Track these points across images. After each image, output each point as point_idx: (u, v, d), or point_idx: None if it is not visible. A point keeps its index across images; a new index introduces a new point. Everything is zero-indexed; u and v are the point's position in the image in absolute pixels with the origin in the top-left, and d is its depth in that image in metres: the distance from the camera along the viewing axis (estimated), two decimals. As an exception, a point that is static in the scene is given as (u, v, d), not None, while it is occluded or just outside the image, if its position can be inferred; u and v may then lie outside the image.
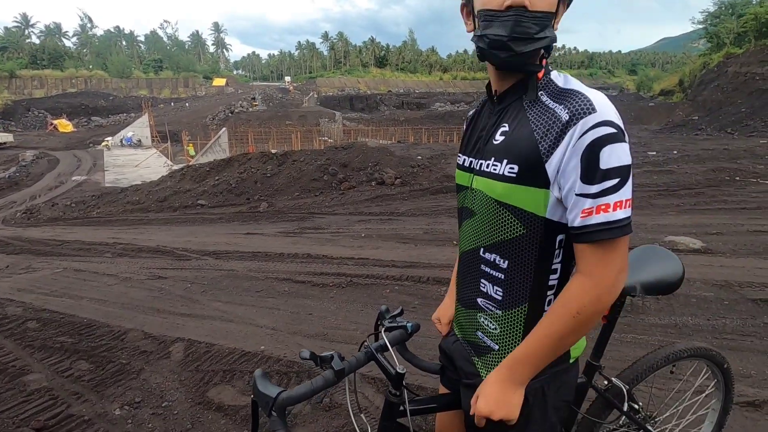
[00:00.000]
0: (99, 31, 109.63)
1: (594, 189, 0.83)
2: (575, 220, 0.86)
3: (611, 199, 0.83)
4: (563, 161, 0.85)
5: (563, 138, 0.85)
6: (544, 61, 0.93)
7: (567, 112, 0.85)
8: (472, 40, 0.96)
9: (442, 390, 1.28)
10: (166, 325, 3.63)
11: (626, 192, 0.84)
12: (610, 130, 0.82)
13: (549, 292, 0.98)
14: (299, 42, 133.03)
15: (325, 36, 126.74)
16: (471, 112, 1.17)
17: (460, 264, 1.13)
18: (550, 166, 0.87)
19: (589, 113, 0.83)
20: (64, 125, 36.29)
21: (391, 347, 1.09)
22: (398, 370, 1.03)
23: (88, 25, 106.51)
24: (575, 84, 0.91)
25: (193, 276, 4.90)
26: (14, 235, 8.44)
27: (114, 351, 3.19)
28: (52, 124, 36.62)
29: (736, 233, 5.73)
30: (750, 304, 3.45)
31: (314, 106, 47.00)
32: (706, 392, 1.66)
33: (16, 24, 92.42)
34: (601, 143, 0.82)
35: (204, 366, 2.94)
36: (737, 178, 9.56)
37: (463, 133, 1.15)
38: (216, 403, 2.54)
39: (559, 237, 0.94)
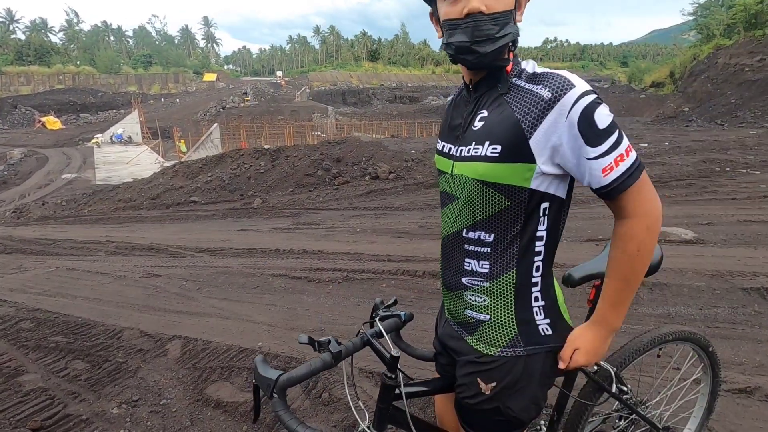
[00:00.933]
0: (86, 27, 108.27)
1: (604, 147, 0.91)
2: (599, 180, 0.93)
3: (621, 148, 0.93)
4: (557, 136, 0.92)
5: (548, 113, 0.91)
6: (510, 54, 0.98)
7: (548, 91, 0.92)
8: (440, 48, 1.03)
9: (436, 376, 1.31)
10: (162, 323, 3.61)
11: (626, 139, 0.94)
12: (592, 96, 0.91)
13: (536, 258, 1.03)
14: (290, 36, 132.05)
15: (317, 30, 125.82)
16: (449, 99, 1.22)
17: (442, 248, 1.16)
18: (534, 141, 0.93)
19: (570, 88, 0.91)
20: (53, 122, 35.74)
21: (386, 334, 1.12)
22: (393, 354, 1.06)
23: (75, 20, 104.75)
24: (545, 69, 0.99)
25: (188, 273, 4.88)
26: (4, 235, 8.33)
27: (110, 350, 3.17)
28: (39, 121, 36.05)
29: (726, 223, 5.80)
30: (741, 293, 3.50)
31: (306, 100, 46.69)
32: (694, 376, 1.70)
33: (0, 20, 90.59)
34: (591, 109, 0.90)
35: (201, 363, 2.94)
36: (727, 169, 9.67)
37: (443, 121, 1.20)
38: (214, 400, 2.54)
39: (543, 205, 1.00)
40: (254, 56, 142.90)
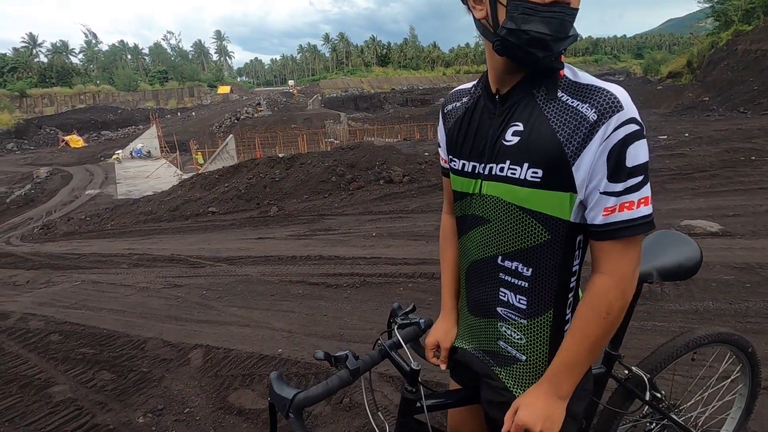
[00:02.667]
0: (104, 47, 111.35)
1: (619, 187, 0.82)
2: (596, 218, 0.85)
3: (635, 196, 0.83)
4: (594, 161, 0.83)
5: (592, 138, 0.82)
6: (561, 56, 0.88)
7: (594, 111, 0.81)
8: (487, 33, 0.87)
9: (453, 385, 1.26)
10: (184, 332, 3.67)
11: (648, 188, 0.84)
12: (636, 127, 0.81)
13: (569, 295, 0.96)
14: (300, 45, 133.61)
15: (326, 37, 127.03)
16: (448, 108, 1.07)
17: (468, 274, 1.06)
18: (578, 169, 0.84)
19: (617, 110, 0.81)
20: (75, 141, 36.89)
21: (405, 344, 1.08)
22: (413, 367, 1.02)
23: (93, 41, 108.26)
24: (588, 77, 0.88)
25: (208, 283, 4.95)
26: (33, 251, 8.61)
27: (135, 360, 3.23)
28: (63, 140, 37.24)
29: (754, 214, 5.60)
30: (773, 285, 3.37)
31: (318, 108, 47.13)
32: (732, 377, 1.63)
33: (24, 44, 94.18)
34: (628, 141, 0.81)
35: (223, 371, 2.97)
36: (753, 158, 9.34)
37: (448, 134, 1.05)
38: (237, 407, 2.56)
39: (578, 237, 0.92)
40: (266, 67, 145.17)
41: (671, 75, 40.05)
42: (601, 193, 0.83)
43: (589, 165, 0.83)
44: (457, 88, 1.10)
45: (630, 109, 0.82)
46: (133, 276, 5.61)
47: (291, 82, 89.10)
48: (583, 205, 0.87)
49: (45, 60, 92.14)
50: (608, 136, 0.81)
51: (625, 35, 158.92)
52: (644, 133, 0.83)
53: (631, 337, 2.78)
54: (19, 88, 69.50)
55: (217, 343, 3.37)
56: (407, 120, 35.89)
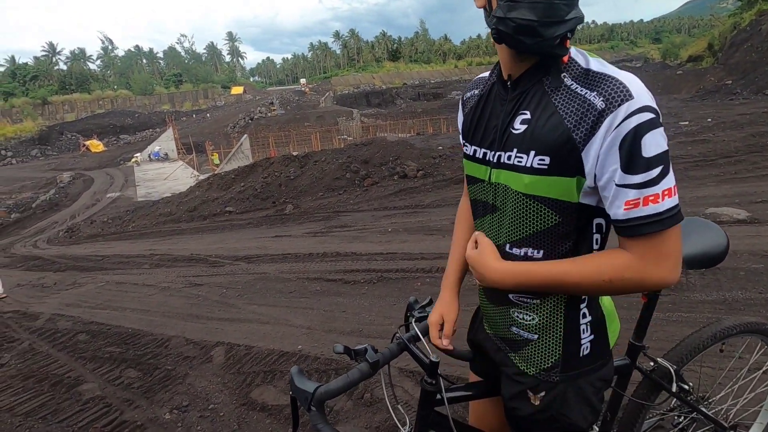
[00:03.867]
0: (120, 52, 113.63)
1: (638, 179, 0.79)
2: (618, 212, 0.82)
3: (658, 188, 0.79)
4: (601, 151, 0.81)
5: (599, 126, 0.80)
6: (567, 42, 0.84)
7: (602, 100, 0.80)
8: (488, 21, 0.86)
9: (473, 377, 1.26)
10: (205, 330, 3.74)
11: (671, 178, 0.80)
12: (649, 115, 0.78)
13: None
14: (311, 43, 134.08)
15: (337, 35, 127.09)
16: (467, 96, 1.09)
17: None
18: (587, 156, 0.82)
19: (626, 100, 0.78)
20: (96, 145, 37.85)
21: (423, 337, 1.08)
22: (432, 359, 1.02)
23: (110, 47, 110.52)
24: (600, 65, 0.85)
25: (228, 281, 5.02)
26: (59, 254, 8.88)
27: (159, 358, 3.31)
28: (84, 145, 38.25)
29: (783, 200, 5.41)
30: (805, 273, 3.25)
31: (331, 105, 47.24)
32: (764, 369, 1.57)
33: (44, 53, 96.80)
34: (641, 131, 0.77)
35: (245, 368, 3.01)
36: (780, 142, 9.00)
37: (464, 120, 1.07)
38: (260, 403, 2.59)
39: (596, 221, 0.90)
40: (278, 66, 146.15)
41: (691, 59, 38.88)
42: (617, 185, 0.80)
43: (596, 154, 0.81)
44: (478, 76, 1.11)
45: (641, 98, 0.79)
46: (154, 276, 5.73)
47: (303, 81, 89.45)
48: (595, 191, 0.85)
49: (64, 67, 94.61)
50: (617, 126, 0.78)
51: (642, 20, 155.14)
52: (660, 120, 0.80)
53: (656, 328, 2.72)
54: (40, 95, 71.53)
55: (239, 341, 3.42)
56: (420, 114, 35.70)
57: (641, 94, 0.79)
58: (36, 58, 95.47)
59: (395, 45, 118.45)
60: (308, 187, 11.28)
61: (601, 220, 0.91)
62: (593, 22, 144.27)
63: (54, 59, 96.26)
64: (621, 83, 0.80)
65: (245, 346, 3.32)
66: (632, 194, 0.79)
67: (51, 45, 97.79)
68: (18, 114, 59.62)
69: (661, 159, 0.79)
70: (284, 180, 11.88)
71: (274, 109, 46.91)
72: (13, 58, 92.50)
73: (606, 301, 1.05)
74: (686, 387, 1.33)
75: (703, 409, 1.41)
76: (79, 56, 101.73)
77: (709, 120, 13.51)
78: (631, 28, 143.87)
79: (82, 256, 8.04)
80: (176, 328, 3.83)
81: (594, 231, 0.91)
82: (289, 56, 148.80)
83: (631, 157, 0.78)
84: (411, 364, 2.68)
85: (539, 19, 0.78)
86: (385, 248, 5.51)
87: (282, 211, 9.99)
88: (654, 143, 0.78)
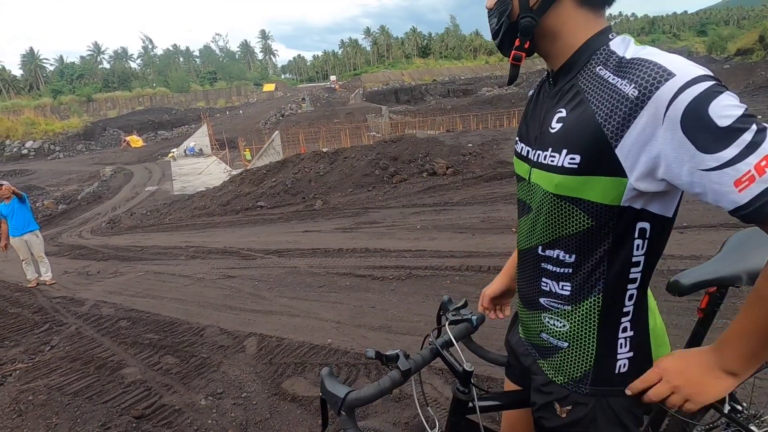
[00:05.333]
0: (159, 51, 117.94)
1: (730, 153, 0.66)
2: (732, 198, 0.68)
3: (764, 149, 0.65)
4: (655, 146, 0.72)
5: (636, 116, 0.72)
6: (527, 44, 0.87)
7: (634, 87, 0.72)
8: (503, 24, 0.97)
9: (508, 384, 1.23)
10: (238, 321, 3.85)
11: None
12: (704, 85, 0.68)
13: (630, 286, 0.88)
14: (342, 40, 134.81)
15: (367, 31, 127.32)
16: (529, 94, 1.08)
17: (519, 262, 1.05)
18: (623, 151, 0.74)
19: (666, 79, 0.69)
20: (136, 141, 39.46)
21: (456, 342, 1.05)
22: (466, 368, 0.99)
23: (150, 46, 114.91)
24: (638, 50, 0.78)
25: (259, 274, 5.15)
26: (102, 244, 9.34)
27: (195, 346, 3.43)
28: (125, 140, 39.94)
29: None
30: None
31: (360, 102, 47.42)
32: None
33: (89, 53, 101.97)
34: (701, 104, 0.67)
35: (276, 359, 3.08)
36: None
37: (522, 117, 1.07)
38: (290, 394, 2.65)
39: (641, 225, 0.82)
40: (308, 63, 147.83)
41: (740, 52, 36.71)
42: (706, 171, 0.68)
43: (640, 150, 0.73)
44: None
45: (686, 72, 0.69)
46: (190, 267, 5.94)
47: (333, 77, 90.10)
48: (643, 192, 0.77)
49: (108, 66, 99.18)
50: (667, 110, 0.69)
51: (686, 11, 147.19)
52: (722, 86, 0.69)
53: (707, 342, 2.59)
54: (86, 93, 75.32)
55: (270, 332, 3.51)
56: (449, 111, 35.32)
57: (683, 67, 0.70)
58: (82, 57, 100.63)
59: (425, 41, 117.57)
60: (337, 183, 11.39)
61: (646, 225, 0.82)
62: (632, 14, 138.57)
63: (98, 58, 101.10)
64: (656, 64, 0.72)
65: (276, 337, 3.40)
66: (736, 170, 0.66)
67: (96, 45, 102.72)
68: (65, 111, 62.97)
69: (745, 121, 0.66)
70: (314, 176, 12.04)
71: (303, 105, 47.57)
72: (61, 57, 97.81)
73: (658, 322, 0.98)
74: (739, 407, 1.26)
75: (754, 429, 1.33)
76: (121, 55, 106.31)
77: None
78: (673, 20, 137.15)
79: (123, 247, 8.42)
80: (211, 318, 3.96)
81: (636, 236, 0.83)
82: (320, 53, 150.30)
83: (703, 134, 0.67)
84: (439, 362, 2.67)
85: (492, 33, 0.91)
86: (413, 245, 5.50)
87: (311, 206, 10.13)
88: (725, 110, 0.67)
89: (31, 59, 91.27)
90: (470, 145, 13.05)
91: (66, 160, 35.69)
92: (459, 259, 4.65)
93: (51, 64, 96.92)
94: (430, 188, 9.78)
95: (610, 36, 0.83)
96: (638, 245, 0.84)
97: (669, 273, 3.35)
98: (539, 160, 0.89)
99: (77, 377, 3.10)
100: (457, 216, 7.10)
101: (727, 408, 1.21)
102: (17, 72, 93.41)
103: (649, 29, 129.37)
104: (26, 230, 6.13)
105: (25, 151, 38.35)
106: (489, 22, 0.92)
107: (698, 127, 0.68)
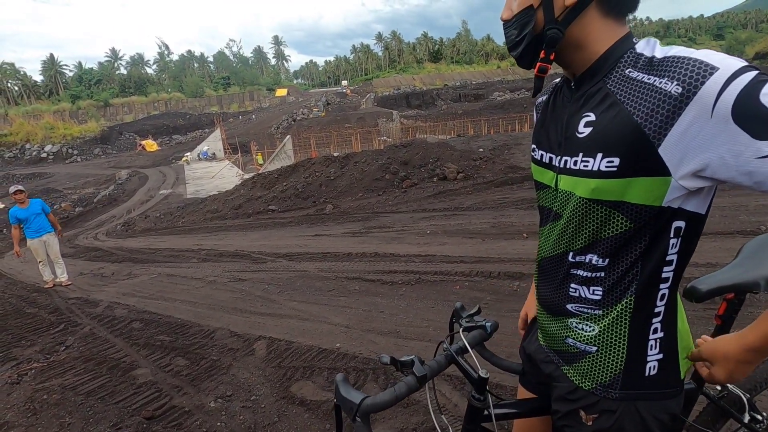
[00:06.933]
0: (174, 57, 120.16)
1: None
2: None
3: None
4: (702, 141, 0.72)
5: (681, 113, 0.71)
6: (553, 55, 0.86)
7: (677, 84, 0.72)
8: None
9: (521, 392, 1.21)
10: (248, 324, 3.87)
11: None
12: (750, 74, 0.68)
13: (662, 285, 0.87)
14: (353, 45, 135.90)
15: (379, 36, 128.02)
16: (539, 100, 1.07)
17: (539, 270, 1.03)
18: (666, 149, 0.74)
19: (710, 73, 0.69)
20: (151, 145, 40.19)
21: (471, 349, 1.04)
22: (481, 375, 0.99)
23: (165, 51, 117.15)
24: (667, 50, 0.77)
25: (270, 277, 5.18)
26: (116, 246, 9.50)
27: (205, 348, 3.46)
28: (140, 144, 40.72)
29: None
30: None
31: (371, 107, 47.63)
32: None
33: (107, 58, 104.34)
34: (752, 92, 0.67)
35: (285, 362, 3.09)
36: None
37: (536, 125, 1.05)
38: (299, 398, 2.65)
39: (677, 224, 0.82)
40: (320, 69, 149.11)
41: (759, 56, 36.05)
42: (761, 158, 0.68)
43: (685, 145, 0.73)
44: (552, 81, 1.08)
45: (729, 65, 0.70)
46: (202, 270, 6.01)
47: (344, 83, 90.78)
48: (684, 190, 0.77)
49: (125, 72, 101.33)
50: (716, 104, 0.69)
51: (702, 15, 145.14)
52: (765, 74, 0.70)
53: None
54: (103, 98, 77.11)
55: (279, 336, 3.52)
56: (460, 116, 35.28)
57: (725, 60, 0.70)
58: (100, 63, 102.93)
59: (436, 46, 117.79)
60: (348, 188, 11.43)
61: (681, 223, 0.82)
62: (647, 18, 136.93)
63: (116, 64, 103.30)
64: (696, 60, 0.72)
65: (286, 341, 3.41)
66: None
67: (113, 51, 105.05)
68: (83, 115, 64.44)
69: None
70: (324, 180, 12.10)
71: (316, 109, 47.95)
72: (80, 63, 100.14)
73: (684, 323, 0.96)
74: (760, 417, 1.23)
75: None
76: (137, 61, 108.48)
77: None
78: (689, 24, 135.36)
79: (136, 249, 8.56)
80: (221, 321, 3.99)
81: (671, 235, 0.83)
82: (332, 59, 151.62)
83: (757, 121, 0.67)
84: (450, 368, 2.66)
85: (508, 44, 0.91)
86: (423, 250, 5.49)
87: (322, 210, 10.17)
88: None
89: (51, 65, 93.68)
90: (481, 149, 12.99)
91: (83, 163, 36.46)
92: (469, 265, 4.62)
93: (70, 70, 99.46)
94: (441, 193, 9.75)
95: (633, 40, 0.84)
96: (673, 244, 0.84)
97: (685, 280, 3.29)
98: (568, 166, 0.88)
99: (90, 377, 3.15)
100: (468, 221, 7.07)
101: (747, 418, 1.18)
102: (38, 77, 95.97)
103: (664, 33, 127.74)
104: (45, 231, 6.27)
105: (44, 155, 39.33)
106: (505, 33, 0.91)
107: (752, 117, 0.67)
